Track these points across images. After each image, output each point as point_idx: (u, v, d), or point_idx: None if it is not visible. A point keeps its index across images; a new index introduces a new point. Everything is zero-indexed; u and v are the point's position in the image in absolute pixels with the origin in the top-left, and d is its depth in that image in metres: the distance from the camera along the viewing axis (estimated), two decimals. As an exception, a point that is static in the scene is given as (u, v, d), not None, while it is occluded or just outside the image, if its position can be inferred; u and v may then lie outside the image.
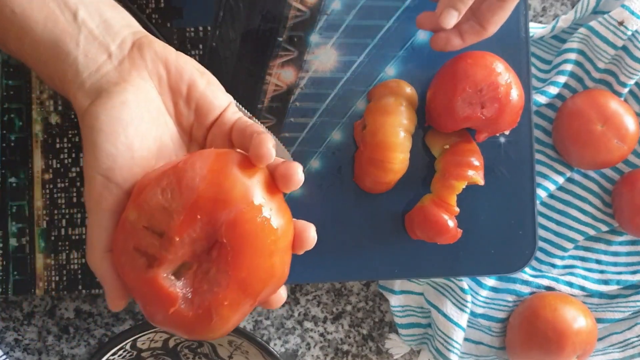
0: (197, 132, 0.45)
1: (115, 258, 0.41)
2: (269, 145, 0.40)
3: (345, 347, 0.70)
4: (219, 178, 0.39)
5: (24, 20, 0.42)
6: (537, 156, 0.68)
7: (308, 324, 0.70)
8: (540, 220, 0.70)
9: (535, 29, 0.68)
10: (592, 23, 0.66)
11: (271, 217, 0.40)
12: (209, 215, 0.38)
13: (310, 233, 0.43)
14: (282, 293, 0.44)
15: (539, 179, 0.68)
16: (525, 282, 0.68)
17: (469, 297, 0.66)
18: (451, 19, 0.53)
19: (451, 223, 0.59)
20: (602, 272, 0.70)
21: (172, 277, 0.39)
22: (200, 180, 0.39)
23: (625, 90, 0.68)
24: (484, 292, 0.68)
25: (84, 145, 0.41)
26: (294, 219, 0.43)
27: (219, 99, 0.45)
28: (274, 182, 0.41)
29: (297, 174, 0.41)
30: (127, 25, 0.45)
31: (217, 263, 0.39)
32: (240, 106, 0.60)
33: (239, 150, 0.42)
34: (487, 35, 0.56)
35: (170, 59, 0.44)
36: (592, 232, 0.69)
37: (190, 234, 0.39)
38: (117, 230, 0.41)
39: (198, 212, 0.38)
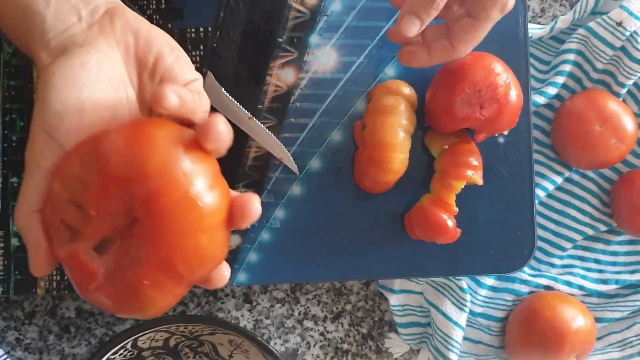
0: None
1: (45, 229, 0.39)
2: (175, 90, 0.38)
3: (345, 346, 0.70)
4: (134, 148, 0.36)
5: None
6: (536, 156, 0.68)
7: (308, 323, 0.70)
8: (539, 220, 0.70)
9: (534, 30, 0.68)
10: (591, 24, 0.67)
11: (194, 192, 0.36)
12: (124, 189, 0.36)
13: (254, 204, 0.39)
14: (224, 272, 0.41)
15: (537, 179, 0.68)
16: (524, 282, 0.69)
17: (468, 297, 0.66)
18: (412, 27, 0.49)
19: (450, 223, 0.60)
20: (600, 271, 0.70)
21: (94, 252, 0.37)
22: (114, 150, 0.36)
23: (624, 90, 0.68)
24: (483, 292, 0.68)
25: (35, 102, 0.40)
26: (237, 193, 0.40)
27: (184, 74, 0.43)
28: (205, 154, 0.38)
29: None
30: None
31: (137, 239, 0.36)
32: (239, 105, 0.60)
33: (169, 121, 0.40)
34: (456, 55, 0.52)
35: (141, 30, 0.43)
36: (590, 232, 0.69)
37: (107, 207, 0.36)
38: (45, 201, 0.39)
39: (112, 185, 0.36)
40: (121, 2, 0.45)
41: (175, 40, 0.43)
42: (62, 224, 0.37)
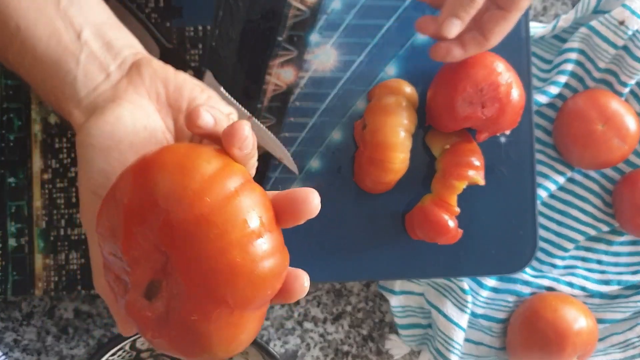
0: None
1: (109, 289, 0.38)
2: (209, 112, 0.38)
3: (345, 348, 0.70)
4: (141, 180, 0.34)
5: (27, 36, 0.42)
6: (538, 156, 0.68)
7: (308, 325, 0.69)
8: (541, 220, 0.70)
9: (536, 29, 0.68)
10: (593, 22, 0.66)
11: (207, 210, 0.33)
12: (143, 225, 0.33)
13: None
14: (304, 282, 0.38)
15: (539, 179, 0.68)
16: (526, 283, 0.68)
17: (469, 298, 0.66)
18: (454, 29, 0.51)
19: (451, 223, 0.59)
20: (602, 272, 0.70)
21: (144, 299, 0.35)
22: (124, 190, 0.34)
23: (626, 90, 0.68)
24: (485, 293, 0.68)
25: (78, 164, 0.40)
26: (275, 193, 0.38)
27: (221, 109, 0.43)
28: (221, 157, 0.35)
29: (243, 129, 0.36)
30: (129, 45, 0.45)
31: (173, 275, 0.34)
32: (240, 106, 0.60)
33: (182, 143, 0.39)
34: (489, 46, 0.54)
35: (169, 77, 0.43)
36: (592, 233, 0.69)
37: (138, 250, 0.34)
38: (103, 262, 0.37)
39: (133, 225, 0.34)
40: (145, 51, 0.45)
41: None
42: (116, 279, 0.36)
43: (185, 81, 0.43)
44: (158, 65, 0.43)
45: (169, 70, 0.43)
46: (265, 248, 0.35)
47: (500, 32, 0.53)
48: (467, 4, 0.50)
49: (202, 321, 0.34)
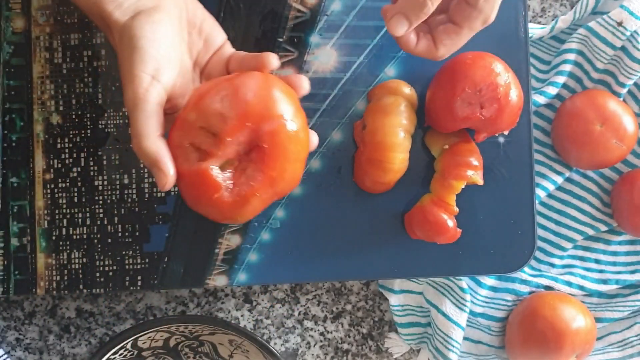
0: (202, 59, 0.52)
1: (171, 150, 0.48)
2: (274, 58, 0.51)
3: (345, 346, 0.70)
4: (265, 96, 0.48)
5: None
6: (536, 156, 0.68)
7: (308, 323, 0.70)
8: (540, 220, 0.70)
9: (535, 30, 0.68)
10: (591, 24, 0.67)
11: (300, 132, 0.49)
12: (255, 124, 0.47)
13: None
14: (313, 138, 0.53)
15: (538, 179, 0.68)
16: (525, 282, 0.69)
17: (468, 297, 0.66)
18: (400, 27, 0.51)
19: (450, 223, 0.60)
20: (601, 271, 0.70)
21: (218, 170, 0.48)
22: (251, 96, 0.47)
23: (624, 90, 0.68)
24: (484, 292, 0.68)
25: (125, 54, 0.47)
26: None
27: (221, 34, 0.53)
28: (300, 105, 0.50)
29: (303, 82, 0.52)
30: None
31: (254, 163, 0.48)
32: None
33: (276, 75, 0.51)
34: (437, 56, 0.54)
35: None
36: (591, 232, 0.69)
37: (238, 137, 0.47)
38: (173, 128, 0.48)
39: (247, 121, 0.47)
40: None
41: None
42: (191, 146, 0.47)
43: (197, 4, 0.52)
44: None
45: None
46: (304, 168, 0.52)
47: (451, 45, 0.53)
48: (418, 7, 0.50)
49: (259, 199, 0.49)
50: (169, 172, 0.47)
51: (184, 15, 0.50)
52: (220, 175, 0.48)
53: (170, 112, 0.51)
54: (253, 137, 0.48)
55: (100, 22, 0.50)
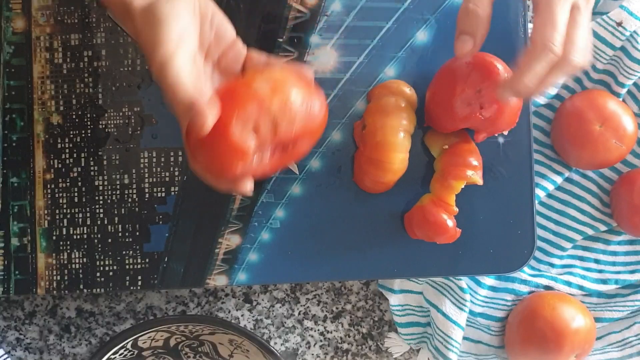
0: (213, 52, 0.53)
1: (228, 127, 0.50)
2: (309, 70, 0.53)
3: (345, 346, 0.70)
4: (306, 100, 0.51)
5: None
6: (536, 156, 0.68)
7: (308, 323, 0.70)
8: (539, 219, 0.70)
9: (534, 30, 0.68)
10: (591, 24, 0.67)
11: (321, 123, 0.52)
12: (302, 137, 0.52)
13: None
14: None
15: (537, 179, 0.68)
16: (524, 282, 0.69)
17: (468, 296, 0.66)
18: (466, 46, 0.53)
19: (450, 223, 0.60)
20: (600, 271, 0.70)
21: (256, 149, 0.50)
22: (301, 103, 0.50)
23: (624, 90, 0.68)
24: (483, 291, 0.68)
25: (149, 30, 0.48)
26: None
27: (230, 29, 0.54)
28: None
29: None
30: None
31: (285, 148, 0.52)
32: None
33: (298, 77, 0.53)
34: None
35: None
36: (590, 232, 0.69)
37: (274, 138, 0.50)
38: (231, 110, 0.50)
39: (298, 134, 0.51)
40: None
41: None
42: (248, 132, 0.50)
43: (207, 0, 0.54)
44: None
45: None
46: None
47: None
48: (474, 20, 0.52)
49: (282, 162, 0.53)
50: (208, 111, 0.47)
51: (197, 6, 0.52)
52: (254, 152, 0.51)
53: None
54: (288, 134, 0.51)
55: (121, 8, 0.51)
